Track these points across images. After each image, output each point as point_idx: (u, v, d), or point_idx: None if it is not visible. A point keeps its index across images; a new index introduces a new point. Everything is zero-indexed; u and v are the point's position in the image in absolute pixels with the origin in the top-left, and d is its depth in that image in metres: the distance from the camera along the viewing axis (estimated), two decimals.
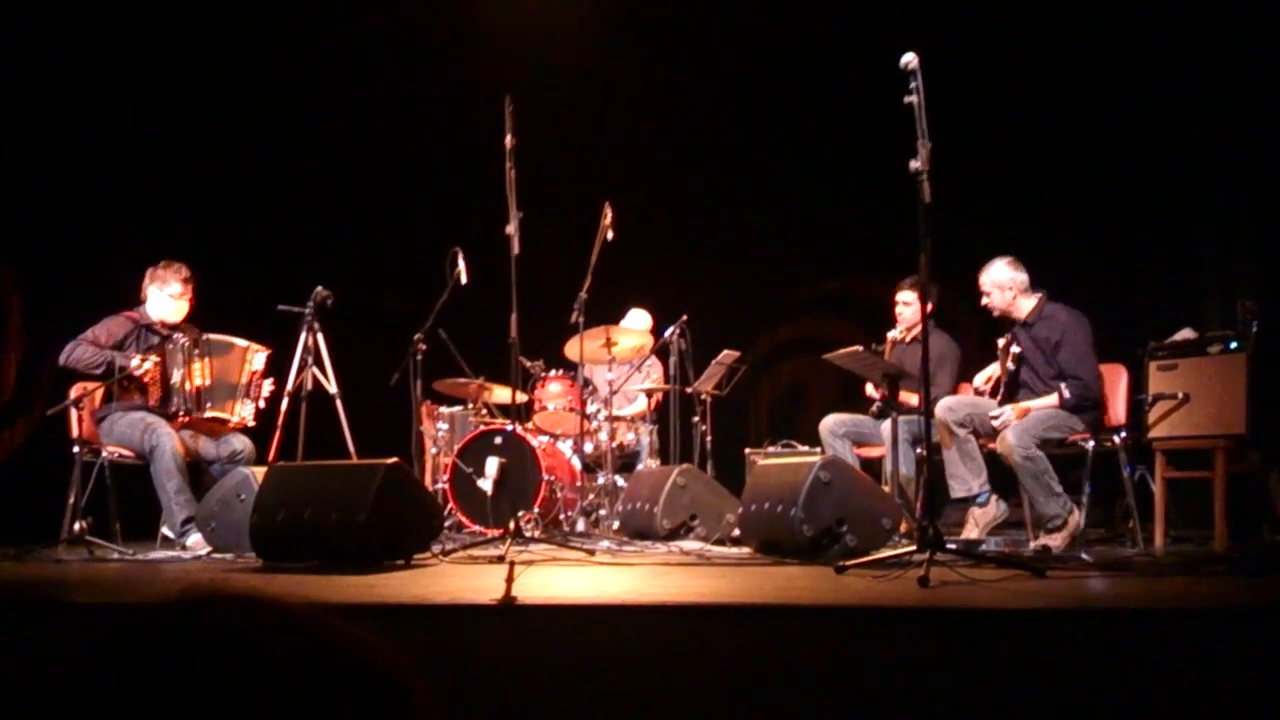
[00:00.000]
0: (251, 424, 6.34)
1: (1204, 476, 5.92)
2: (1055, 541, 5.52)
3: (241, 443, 6.21)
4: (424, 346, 7.09)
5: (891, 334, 6.82)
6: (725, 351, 7.37)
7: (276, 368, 6.49)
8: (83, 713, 0.69)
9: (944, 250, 4.56)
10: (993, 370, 6.07)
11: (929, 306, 6.56)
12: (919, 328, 6.69)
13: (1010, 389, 5.95)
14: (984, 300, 6.06)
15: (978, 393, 6.10)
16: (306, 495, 4.95)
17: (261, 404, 6.35)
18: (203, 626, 0.73)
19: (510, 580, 3.34)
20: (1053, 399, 5.77)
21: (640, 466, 7.64)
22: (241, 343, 6.35)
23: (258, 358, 6.35)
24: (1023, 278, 5.97)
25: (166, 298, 6.20)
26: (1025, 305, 5.98)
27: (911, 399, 6.36)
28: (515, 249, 5.54)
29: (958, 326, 7.03)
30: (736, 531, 6.02)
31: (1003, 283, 5.96)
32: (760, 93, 8.66)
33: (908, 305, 6.73)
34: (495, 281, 5.87)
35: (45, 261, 7.45)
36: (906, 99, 4.35)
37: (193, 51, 7.95)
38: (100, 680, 0.70)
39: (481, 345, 7.40)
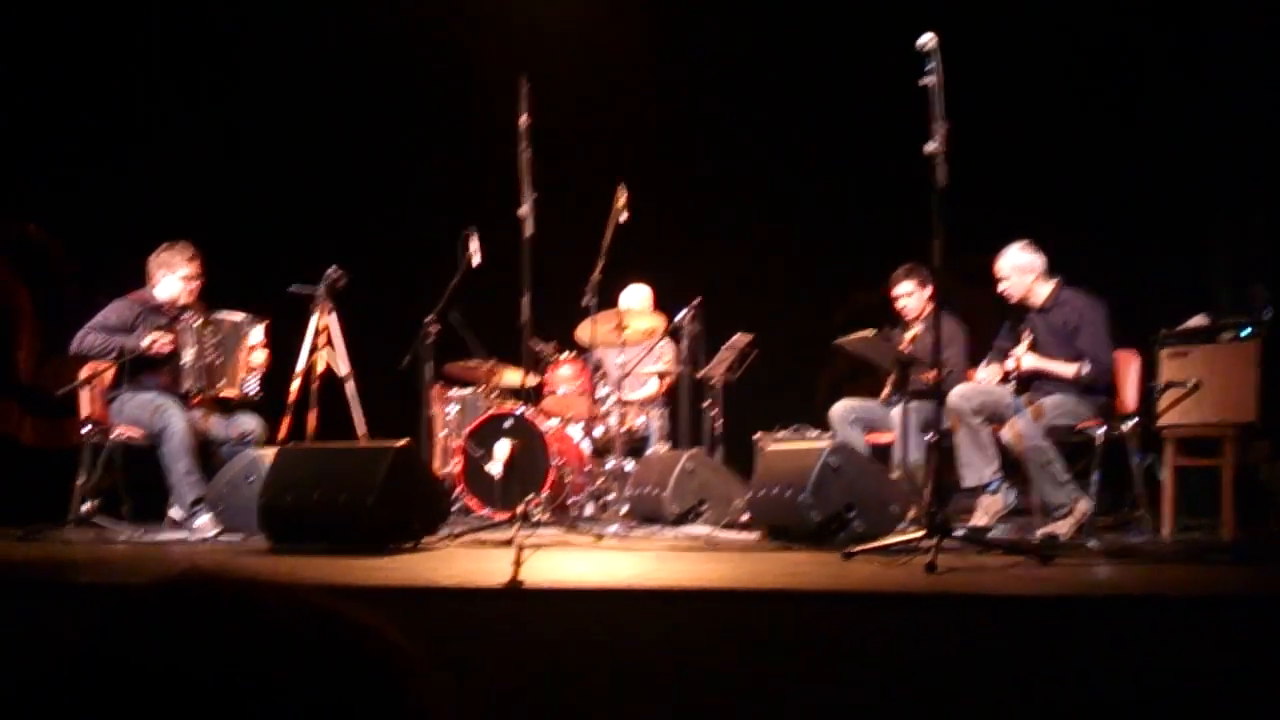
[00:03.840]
0: (256, 396, 6.34)
1: (1214, 465, 5.90)
2: (1062, 529, 5.49)
3: (252, 424, 6.20)
4: (435, 329, 7.09)
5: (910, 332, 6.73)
6: (737, 335, 7.33)
7: (289, 348, 6.48)
8: (82, 692, 0.69)
9: (954, 235, 4.54)
10: (992, 368, 6.02)
11: (930, 290, 6.59)
12: (924, 313, 6.65)
13: (1022, 380, 5.91)
14: (1001, 286, 5.97)
15: None
16: (315, 477, 4.97)
17: (258, 375, 6.35)
18: (199, 607, 0.73)
19: (518, 564, 3.36)
20: (1069, 368, 5.72)
21: (649, 451, 7.63)
22: (239, 317, 6.35)
23: (255, 330, 6.35)
24: (1040, 260, 5.89)
25: (177, 280, 6.16)
26: (1042, 291, 5.90)
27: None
28: (529, 230, 5.53)
29: (967, 310, 7.00)
30: (745, 516, 6.02)
31: (1023, 266, 5.88)
32: (776, 72, 8.61)
33: (910, 295, 6.67)
34: (508, 263, 5.86)
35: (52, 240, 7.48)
36: (923, 80, 4.32)
37: (205, 29, 7.94)
38: (98, 660, 0.70)
39: (494, 327, 7.39)
